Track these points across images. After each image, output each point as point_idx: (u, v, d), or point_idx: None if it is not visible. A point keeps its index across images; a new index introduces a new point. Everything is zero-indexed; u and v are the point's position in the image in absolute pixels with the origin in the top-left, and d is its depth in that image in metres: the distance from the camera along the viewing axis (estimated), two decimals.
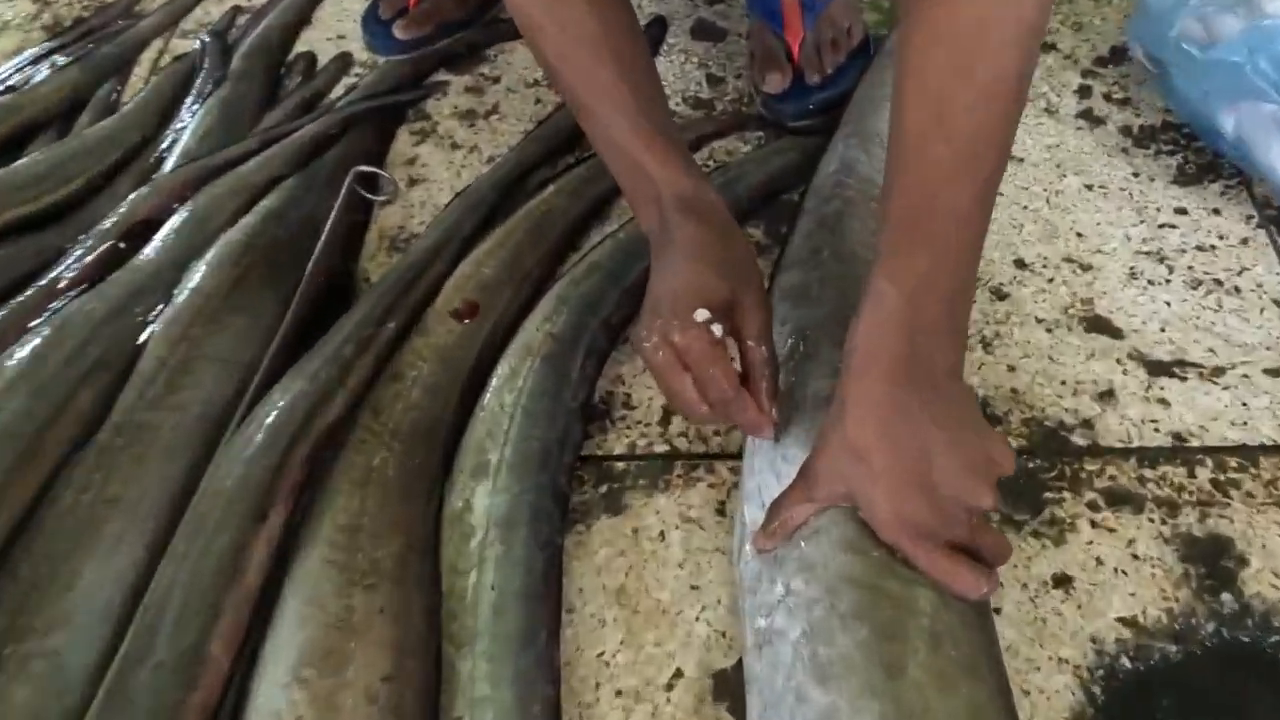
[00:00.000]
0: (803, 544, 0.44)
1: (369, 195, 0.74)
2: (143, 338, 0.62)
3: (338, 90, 0.87)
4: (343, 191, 0.72)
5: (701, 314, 0.46)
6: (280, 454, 0.52)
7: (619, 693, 0.49)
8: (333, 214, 0.71)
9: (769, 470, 0.49)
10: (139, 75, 0.91)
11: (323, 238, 0.69)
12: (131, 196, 0.72)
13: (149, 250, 0.68)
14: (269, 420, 0.55)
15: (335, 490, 0.53)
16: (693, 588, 0.53)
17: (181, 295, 0.64)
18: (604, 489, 0.58)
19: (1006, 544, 0.44)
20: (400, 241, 0.74)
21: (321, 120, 0.80)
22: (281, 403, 0.56)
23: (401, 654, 0.46)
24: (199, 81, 0.87)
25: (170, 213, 0.71)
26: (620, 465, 0.59)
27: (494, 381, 0.60)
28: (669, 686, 0.49)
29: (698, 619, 0.52)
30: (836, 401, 0.44)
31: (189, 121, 0.82)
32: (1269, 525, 0.53)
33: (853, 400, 0.42)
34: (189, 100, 0.85)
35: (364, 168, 0.73)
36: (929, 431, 0.41)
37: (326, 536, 0.50)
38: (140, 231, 0.68)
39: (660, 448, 0.60)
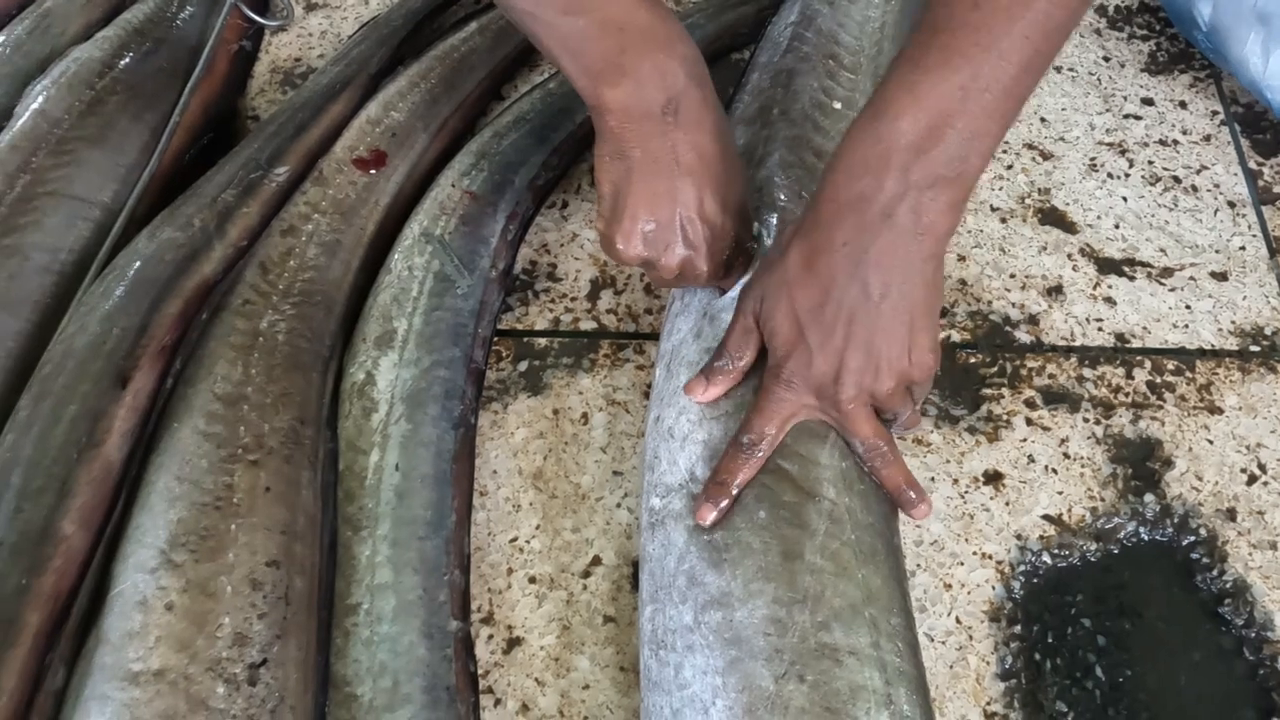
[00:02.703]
0: (710, 425, 0.43)
1: (257, 18, 0.67)
2: None
3: None
4: (224, 11, 0.64)
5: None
6: (144, 311, 0.46)
7: (532, 579, 0.48)
8: (212, 37, 0.62)
9: (690, 331, 0.47)
10: None
11: (200, 65, 0.60)
12: None
13: None
14: (132, 271, 0.48)
15: (213, 356, 0.47)
16: (615, 473, 0.51)
17: (21, 119, 0.54)
18: (523, 366, 0.55)
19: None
20: (295, 76, 0.67)
21: None
22: (148, 251, 0.49)
23: (290, 537, 0.42)
24: None
25: (6, 19, 0.62)
26: (542, 341, 0.56)
27: (403, 241, 0.55)
28: (585, 574, 0.48)
29: (619, 505, 0.50)
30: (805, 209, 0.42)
31: None
32: (1198, 429, 0.53)
33: (813, 214, 0.40)
34: None
35: None
36: (867, 279, 0.39)
37: (202, 407, 0.45)
38: None
39: (586, 324, 0.57)
